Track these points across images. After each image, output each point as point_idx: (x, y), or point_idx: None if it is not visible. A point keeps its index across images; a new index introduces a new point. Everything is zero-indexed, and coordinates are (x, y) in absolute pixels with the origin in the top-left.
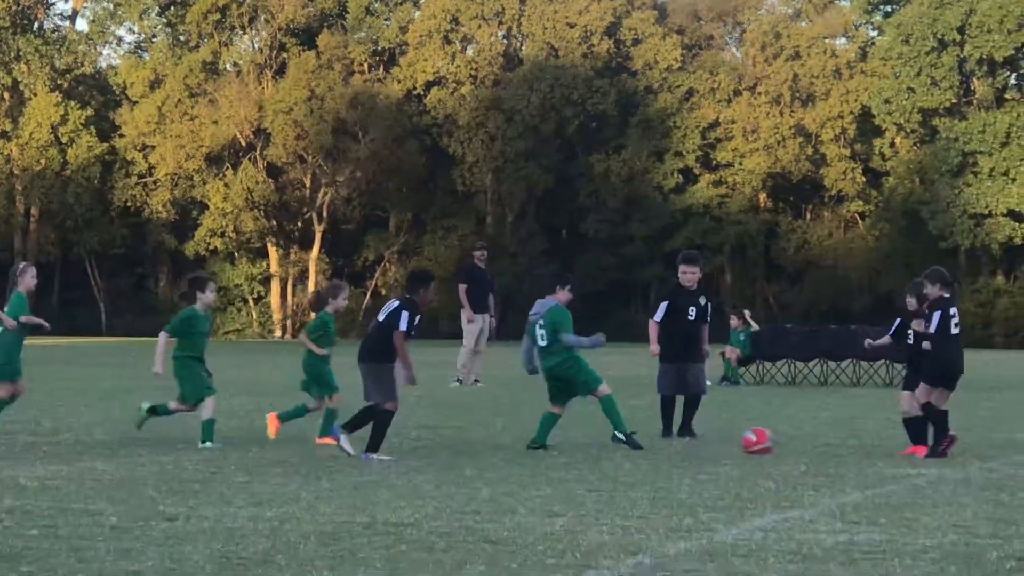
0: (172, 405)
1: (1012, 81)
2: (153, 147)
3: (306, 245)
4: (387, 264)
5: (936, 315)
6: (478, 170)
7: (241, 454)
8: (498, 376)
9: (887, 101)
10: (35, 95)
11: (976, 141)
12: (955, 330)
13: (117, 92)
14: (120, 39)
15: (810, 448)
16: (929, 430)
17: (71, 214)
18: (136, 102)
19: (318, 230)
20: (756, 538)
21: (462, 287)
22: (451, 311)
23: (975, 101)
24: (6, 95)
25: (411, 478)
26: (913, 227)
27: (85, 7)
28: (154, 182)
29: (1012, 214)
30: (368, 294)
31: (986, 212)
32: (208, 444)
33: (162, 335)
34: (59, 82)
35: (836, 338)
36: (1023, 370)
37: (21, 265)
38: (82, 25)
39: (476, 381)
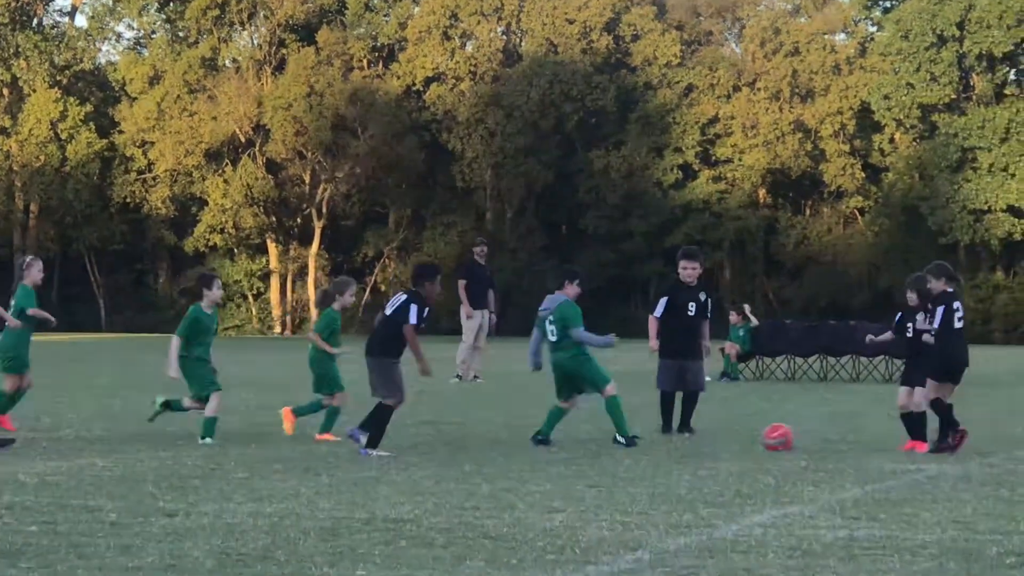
0: (186, 403)
1: (1011, 77)
2: (152, 143)
3: (306, 241)
4: (387, 260)
5: (939, 309)
6: (477, 166)
7: (241, 450)
8: (498, 372)
9: (886, 97)
10: (34, 91)
11: (975, 137)
12: (958, 324)
13: (116, 88)
14: (119, 35)
15: (809, 444)
16: (930, 426)
17: (70, 210)
18: (135, 98)
19: (317, 226)
20: (756, 534)
21: (461, 283)
22: (451, 307)
23: (974, 97)
24: (5, 91)
25: (410, 474)
26: (912, 223)
27: (84, 3)
28: (153, 178)
29: (1011, 210)
30: (368, 290)
31: (985, 208)
32: (208, 440)
33: (174, 339)
34: (58, 78)
35: (835, 334)
36: (1022, 366)
37: (28, 258)
38: (81, 21)
39: (476, 377)
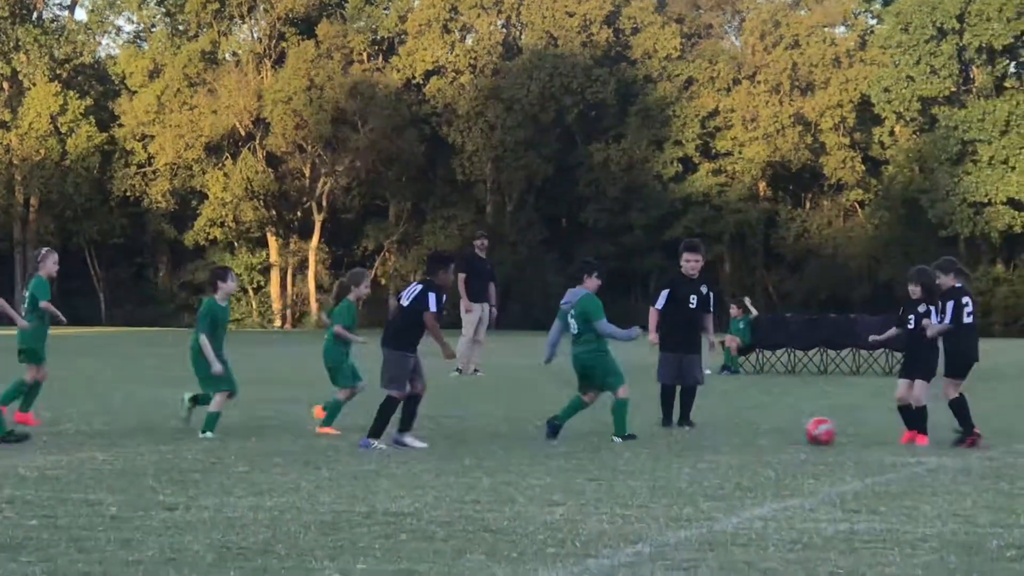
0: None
1: (1011, 69)
2: (152, 137)
3: (306, 235)
4: (387, 253)
5: (950, 305)
6: (477, 159)
7: (241, 444)
8: (498, 365)
9: (886, 90)
10: (34, 85)
11: (975, 129)
12: (968, 319)
13: (116, 82)
14: (119, 29)
15: None
16: (932, 420)
17: (70, 204)
18: (135, 92)
19: (318, 220)
20: (756, 527)
21: (461, 276)
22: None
23: (974, 89)
24: (5, 85)
25: (411, 467)
26: (912, 216)
27: None
28: (153, 172)
29: (1011, 202)
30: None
31: (985, 200)
32: (208, 434)
33: (202, 338)
34: (58, 72)
35: (836, 327)
36: (1022, 359)
37: (44, 250)
38: (81, 15)
39: (476, 371)
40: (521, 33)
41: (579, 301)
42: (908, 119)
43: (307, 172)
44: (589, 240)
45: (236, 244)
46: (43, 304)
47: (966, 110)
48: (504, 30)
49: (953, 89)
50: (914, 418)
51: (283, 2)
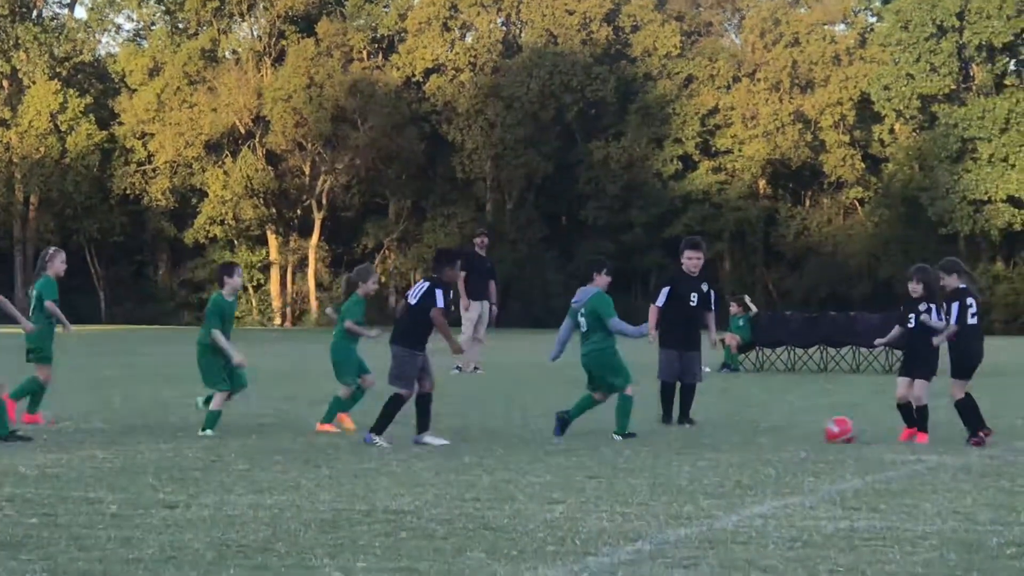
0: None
1: (1011, 67)
2: (152, 135)
3: (305, 233)
4: (387, 251)
5: (955, 306)
6: (477, 157)
7: (241, 442)
8: (498, 363)
9: (886, 87)
10: (34, 83)
11: (975, 127)
12: (973, 320)
13: (116, 80)
14: (119, 27)
15: (810, 435)
16: (925, 419)
17: (70, 202)
18: (135, 90)
19: (317, 218)
20: (756, 525)
21: (460, 274)
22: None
23: (974, 87)
24: (5, 83)
25: (411, 465)
26: (912, 213)
27: None
28: (153, 170)
29: (1011, 200)
30: None
31: (985, 198)
32: (208, 432)
33: (216, 333)
34: (58, 70)
35: (835, 325)
36: (1022, 356)
37: (51, 250)
38: (81, 13)
39: (476, 368)
40: (521, 31)
41: (590, 299)
42: (908, 117)
43: (307, 170)
44: (589, 238)
45: (236, 242)
46: (48, 304)
47: (966, 108)
48: (504, 28)
49: (953, 87)
50: (915, 417)
51: (283, 0)
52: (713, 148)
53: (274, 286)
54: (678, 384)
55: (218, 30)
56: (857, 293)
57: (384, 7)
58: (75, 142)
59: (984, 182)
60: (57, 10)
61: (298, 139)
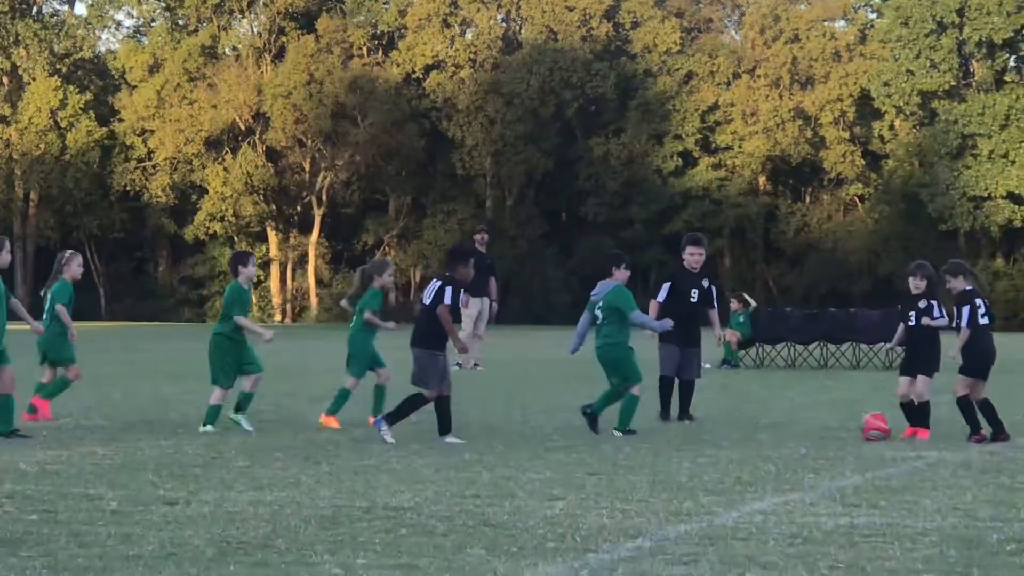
0: (247, 385)
1: (1011, 63)
2: (152, 131)
3: (305, 229)
4: (387, 248)
5: (965, 310)
6: (477, 153)
7: (241, 439)
8: (498, 360)
9: (886, 84)
10: (34, 79)
11: (975, 123)
12: (984, 321)
13: (116, 76)
14: (119, 23)
15: (810, 431)
16: (927, 415)
17: (70, 198)
18: (135, 86)
19: (317, 214)
20: (756, 521)
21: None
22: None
23: (974, 83)
24: (5, 79)
25: (411, 462)
26: (912, 210)
27: None
28: (153, 166)
29: (1011, 196)
30: None
31: (985, 194)
32: (208, 428)
33: (241, 319)
34: (58, 66)
35: (836, 321)
36: (1022, 353)
37: (67, 253)
38: (81, 9)
39: (476, 365)
40: (521, 27)
41: (609, 292)
42: (908, 113)
43: (307, 166)
44: (589, 234)
45: (236, 239)
46: (58, 307)
47: (966, 104)
48: (504, 24)
49: (953, 83)
50: (916, 413)
51: None
52: (713, 144)
53: (274, 283)
54: (677, 381)
55: (218, 26)
56: (857, 289)
57: (384, 3)
58: (75, 139)
59: (984, 178)
60: (57, 6)
61: (298, 135)
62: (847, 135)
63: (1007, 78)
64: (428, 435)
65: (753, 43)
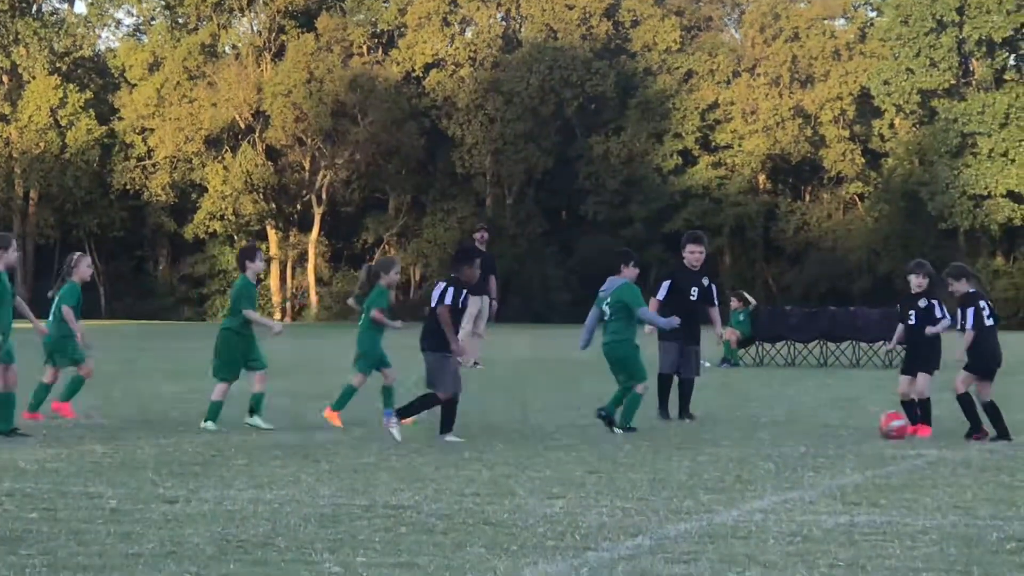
0: (255, 386)
1: (1011, 62)
2: (152, 130)
3: (305, 228)
4: (387, 246)
5: (970, 312)
6: (477, 152)
7: (241, 437)
8: (498, 358)
9: (886, 82)
10: (34, 78)
11: (975, 122)
12: (989, 322)
13: (116, 75)
14: (119, 22)
15: (810, 429)
16: (928, 412)
17: (70, 197)
18: (135, 85)
19: (317, 213)
20: (756, 520)
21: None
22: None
23: (974, 82)
24: (5, 78)
25: (411, 460)
26: (912, 208)
27: None
28: (153, 165)
29: (1011, 195)
30: None
31: (985, 193)
32: (210, 424)
33: (251, 313)
34: (58, 65)
35: (835, 319)
36: (1022, 352)
37: (76, 256)
38: (81, 8)
39: (476, 364)
40: (521, 26)
41: (618, 289)
42: (908, 112)
43: (307, 165)
44: (589, 233)
45: (236, 237)
46: (64, 309)
47: (966, 103)
48: (504, 23)
49: (953, 82)
50: (921, 411)
51: None
52: (713, 143)
53: (274, 281)
54: (676, 379)
55: (218, 25)
56: (857, 288)
57: (384, 2)
58: (75, 137)
59: (984, 177)
60: (57, 5)
61: (298, 134)
62: (847, 134)
63: (1007, 76)
64: (428, 434)
65: (753, 41)
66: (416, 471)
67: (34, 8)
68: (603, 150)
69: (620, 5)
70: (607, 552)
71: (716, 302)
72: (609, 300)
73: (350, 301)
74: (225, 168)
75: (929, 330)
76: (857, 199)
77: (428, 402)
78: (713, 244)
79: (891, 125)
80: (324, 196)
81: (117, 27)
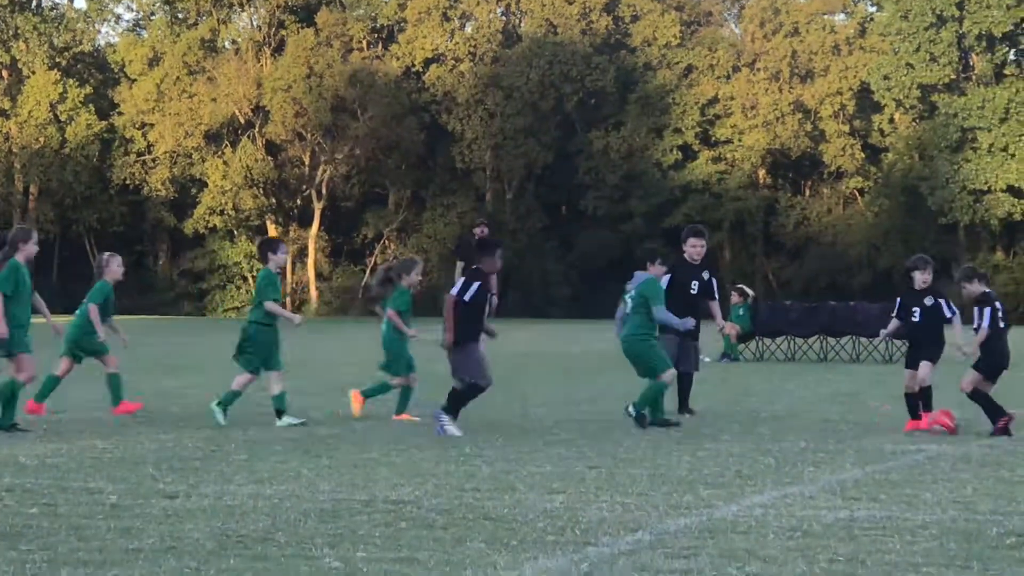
0: (274, 388)
1: (1011, 57)
2: (152, 125)
3: (305, 223)
4: (386, 241)
5: (987, 311)
6: (477, 147)
7: (241, 432)
8: (498, 353)
9: (886, 77)
10: (33, 73)
11: (975, 117)
12: (1002, 324)
13: (116, 70)
14: (118, 17)
15: (810, 424)
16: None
17: (70, 192)
18: (135, 80)
19: (317, 207)
20: (756, 515)
21: (459, 265)
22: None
23: (974, 77)
24: (4, 73)
25: (411, 455)
26: (912, 203)
27: None
28: (153, 160)
29: (1011, 190)
30: (368, 271)
31: (985, 188)
32: (219, 411)
33: (272, 305)
34: (57, 60)
35: (835, 314)
36: (1022, 346)
37: (106, 255)
38: (80, 3)
39: None
40: (521, 21)
41: (641, 284)
42: (908, 106)
43: (307, 160)
44: (589, 228)
45: (236, 232)
46: (91, 307)
47: (966, 97)
48: (504, 18)
49: (953, 76)
50: (916, 406)
51: None
52: (713, 138)
53: None
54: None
55: (218, 20)
56: (857, 283)
57: None
58: (75, 132)
59: (984, 172)
60: (56, 0)
61: (298, 129)
62: (847, 128)
63: (1007, 71)
64: (427, 428)
65: (753, 36)
66: (416, 466)
67: (34, 3)
68: (603, 145)
69: (620, 0)
70: (607, 547)
71: (717, 296)
72: (632, 294)
73: (376, 309)
74: (225, 163)
75: (960, 347)
76: (857, 194)
77: (470, 394)
78: (713, 239)
79: (891, 120)
80: (324, 191)
81: (117, 22)
